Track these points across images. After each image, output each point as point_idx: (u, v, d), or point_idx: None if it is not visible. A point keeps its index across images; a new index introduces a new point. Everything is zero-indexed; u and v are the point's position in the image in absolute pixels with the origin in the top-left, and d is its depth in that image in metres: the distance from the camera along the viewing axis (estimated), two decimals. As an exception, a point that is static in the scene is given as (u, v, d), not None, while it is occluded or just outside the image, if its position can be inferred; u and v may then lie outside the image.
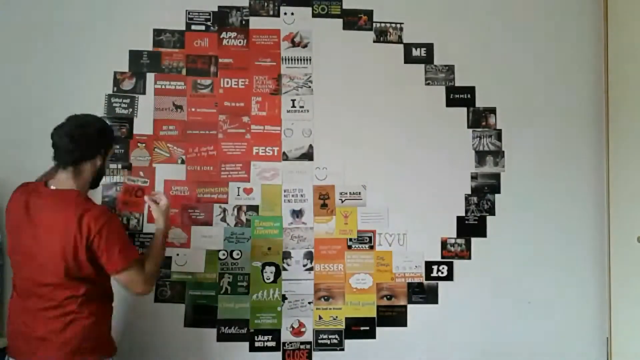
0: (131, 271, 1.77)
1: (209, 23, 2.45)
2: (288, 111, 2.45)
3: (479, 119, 2.51)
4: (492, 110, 2.51)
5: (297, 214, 2.42)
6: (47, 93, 2.37)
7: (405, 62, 2.50)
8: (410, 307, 2.43)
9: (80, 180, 1.80)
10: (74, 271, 1.71)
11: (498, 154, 2.50)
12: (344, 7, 2.49)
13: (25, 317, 1.75)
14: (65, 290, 1.72)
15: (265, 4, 2.48)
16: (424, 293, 2.44)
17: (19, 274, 1.78)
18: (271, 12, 2.48)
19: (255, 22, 2.47)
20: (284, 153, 2.44)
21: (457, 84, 2.50)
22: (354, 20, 2.50)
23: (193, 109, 2.43)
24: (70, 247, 1.68)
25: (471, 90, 2.51)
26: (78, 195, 1.77)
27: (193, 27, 2.45)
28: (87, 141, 1.78)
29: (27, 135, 2.33)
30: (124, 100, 2.40)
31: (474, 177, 2.49)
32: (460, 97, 2.50)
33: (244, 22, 2.47)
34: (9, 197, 1.83)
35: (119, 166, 2.37)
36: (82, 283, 1.74)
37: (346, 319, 2.41)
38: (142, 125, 2.40)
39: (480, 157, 2.50)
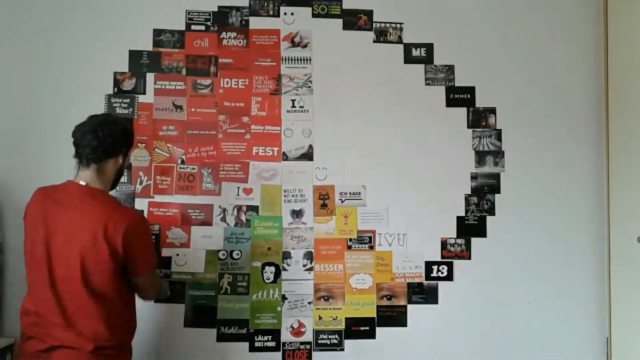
0: (152, 274, 1.86)
1: (208, 23, 2.45)
2: (288, 111, 2.45)
3: (479, 119, 2.51)
4: (492, 110, 2.51)
5: (297, 214, 2.42)
6: (47, 93, 2.37)
7: (405, 62, 2.50)
8: (410, 307, 2.43)
9: (104, 179, 1.77)
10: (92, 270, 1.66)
11: (498, 154, 2.50)
12: (344, 7, 2.49)
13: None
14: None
15: (265, 4, 2.48)
16: (424, 293, 2.44)
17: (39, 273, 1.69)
18: (271, 12, 2.48)
19: (255, 22, 2.47)
20: (283, 153, 2.44)
21: (457, 84, 2.50)
22: (354, 20, 2.50)
23: (193, 109, 2.43)
24: (94, 246, 1.64)
25: (471, 90, 2.51)
26: (105, 194, 1.75)
27: (193, 27, 2.45)
28: (111, 137, 1.73)
29: (27, 135, 2.34)
30: (124, 100, 2.40)
31: (474, 177, 2.49)
32: (460, 97, 2.50)
33: (244, 22, 2.47)
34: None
35: (119, 166, 2.38)
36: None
37: (346, 319, 2.40)
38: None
39: (480, 157, 2.50)
